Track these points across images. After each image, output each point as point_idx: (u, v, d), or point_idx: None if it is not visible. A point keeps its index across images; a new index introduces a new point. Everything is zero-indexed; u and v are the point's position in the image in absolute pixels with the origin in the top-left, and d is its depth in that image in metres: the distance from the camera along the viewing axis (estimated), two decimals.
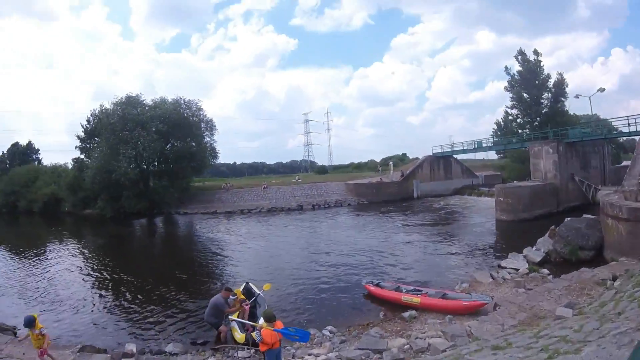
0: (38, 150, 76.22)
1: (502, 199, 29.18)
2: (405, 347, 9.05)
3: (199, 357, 9.93)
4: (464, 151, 47.21)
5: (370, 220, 32.45)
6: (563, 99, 44.94)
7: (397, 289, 13.45)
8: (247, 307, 11.45)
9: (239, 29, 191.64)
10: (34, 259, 23.62)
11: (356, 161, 79.79)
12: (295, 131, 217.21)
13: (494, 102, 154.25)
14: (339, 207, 42.27)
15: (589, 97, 41.39)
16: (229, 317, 11.21)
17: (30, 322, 7.78)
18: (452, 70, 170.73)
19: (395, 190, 46.05)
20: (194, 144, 47.66)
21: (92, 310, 14.54)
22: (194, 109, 48.98)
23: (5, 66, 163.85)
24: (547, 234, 18.64)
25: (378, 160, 71.59)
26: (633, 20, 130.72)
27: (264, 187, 49.43)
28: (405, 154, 64.40)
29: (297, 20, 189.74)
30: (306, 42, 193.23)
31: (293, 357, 9.08)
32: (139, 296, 15.78)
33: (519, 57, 45.40)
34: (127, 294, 16.23)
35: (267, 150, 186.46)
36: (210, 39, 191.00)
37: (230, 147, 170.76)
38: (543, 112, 44.34)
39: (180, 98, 48.63)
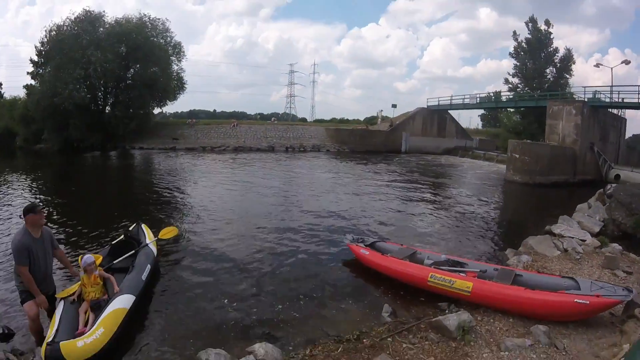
0: (0, 84, 66.68)
1: (517, 156, 23.42)
2: None
3: None
4: (464, 106, 40.44)
5: (354, 169, 25.70)
6: (567, 76, 39.55)
7: (413, 257, 7.09)
8: (97, 275, 5.37)
9: None
10: None
11: (339, 117, 72.86)
12: (280, 85, 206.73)
13: (484, 80, 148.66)
14: (316, 152, 35.91)
15: (611, 68, 35.10)
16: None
17: None
18: (447, 43, 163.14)
19: (382, 140, 39.82)
20: (156, 69, 39.18)
21: None
22: (160, 28, 40.38)
23: None
24: (593, 198, 13.38)
25: (362, 119, 64.89)
26: (636, 26, 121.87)
27: (233, 125, 42.32)
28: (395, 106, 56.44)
29: None
30: None
31: None
32: None
33: (529, 24, 39.43)
34: None
35: (249, 101, 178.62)
36: None
37: (213, 96, 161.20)
38: (546, 85, 38.48)
39: (145, 16, 40.00)
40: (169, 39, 41.26)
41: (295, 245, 9.00)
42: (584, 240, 9.78)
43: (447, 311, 5.65)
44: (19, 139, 43.71)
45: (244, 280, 6.96)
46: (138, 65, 39.11)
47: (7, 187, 17.85)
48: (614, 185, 13.75)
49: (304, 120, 72.03)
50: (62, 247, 8.31)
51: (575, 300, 5.15)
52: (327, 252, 8.62)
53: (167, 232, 7.70)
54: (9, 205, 13.42)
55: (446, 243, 9.83)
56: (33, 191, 16.89)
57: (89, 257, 5.36)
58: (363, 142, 39.14)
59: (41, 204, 13.39)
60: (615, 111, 29.71)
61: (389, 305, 5.74)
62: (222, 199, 14.65)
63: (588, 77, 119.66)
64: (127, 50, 37.72)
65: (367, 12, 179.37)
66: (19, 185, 18.36)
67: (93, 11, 38.51)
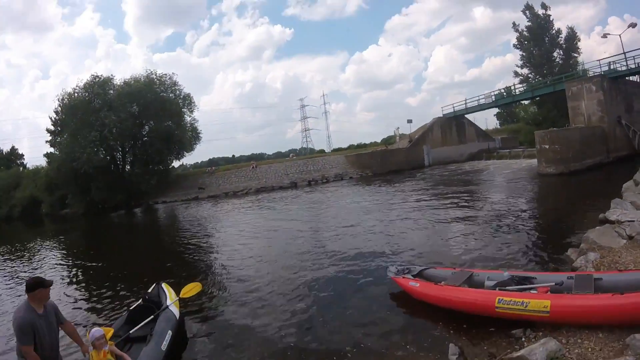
0: (22, 155, 67.85)
1: (547, 147, 22.24)
2: None
3: None
4: (480, 107, 39.26)
5: (380, 192, 24.28)
6: (576, 55, 38.89)
7: (471, 280, 6.15)
8: (107, 350, 4.60)
9: (234, 23, 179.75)
10: None
11: (356, 143, 71.80)
12: (293, 121, 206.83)
13: (492, 78, 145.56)
14: (339, 181, 34.62)
15: (619, 35, 33.27)
16: None
17: None
18: (449, 49, 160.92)
19: (404, 158, 38.51)
20: (170, 123, 39.48)
21: None
22: (168, 83, 40.63)
23: (3, 82, 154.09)
24: (639, 173, 13.13)
25: (379, 141, 64.06)
26: None
27: (253, 167, 41.76)
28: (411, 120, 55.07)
29: (291, 10, 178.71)
30: (301, 31, 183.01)
31: None
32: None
33: (527, 12, 39.15)
34: None
35: (266, 142, 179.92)
36: (205, 36, 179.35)
37: (231, 142, 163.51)
38: (556, 69, 37.47)
39: (152, 73, 40.42)
40: (178, 92, 41.46)
41: (334, 289, 7.84)
42: None
43: (523, 339, 4.70)
44: (44, 205, 44.54)
45: (281, 339, 5.94)
46: (152, 122, 39.56)
47: (27, 256, 17.74)
48: None
49: (322, 151, 71.42)
50: (78, 319, 7.73)
51: None
52: (370, 291, 7.49)
53: (190, 290, 6.91)
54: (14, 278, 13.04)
55: (497, 256, 8.69)
56: (52, 259, 16.20)
57: (97, 331, 4.61)
58: (385, 163, 38.03)
59: (55, 273, 12.87)
60: (634, 79, 28.67)
61: (455, 344, 4.72)
62: (248, 245, 13.37)
63: (594, 52, 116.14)
64: (139, 108, 38.19)
65: (365, 35, 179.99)
66: (37, 254, 18.26)
67: (101, 75, 39.22)
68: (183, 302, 7.00)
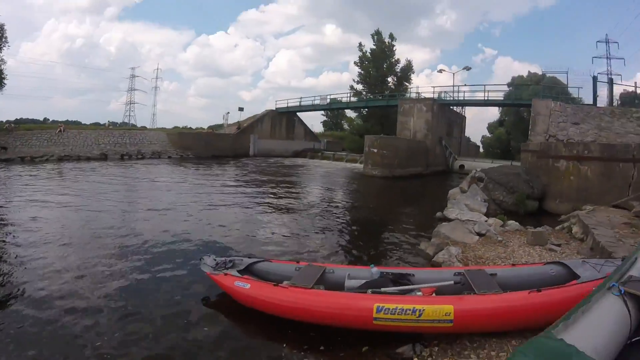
0: None
1: (375, 151, 22.64)
2: None
3: None
4: (314, 107, 40.09)
5: (199, 175, 21.12)
6: (407, 84, 42.66)
7: (326, 279, 4.33)
8: None
9: None
10: None
11: (182, 126, 66.72)
12: (120, 91, 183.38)
13: (326, 90, 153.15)
14: (156, 159, 30.96)
15: (453, 74, 37.35)
16: None
17: None
18: (293, 55, 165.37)
19: (229, 144, 36.83)
20: None
21: None
22: None
23: None
24: (466, 183, 13.15)
25: (206, 127, 60.77)
26: (464, 46, 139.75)
27: (59, 131, 34.47)
28: (242, 109, 52.44)
29: None
30: None
31: None
32: None
33: (375, 37, 41.99)
34: None
35: (86, 110, 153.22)
36: None
37: (45, 102, 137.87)
38: (387, 92, 40.20)
39: None
40: None
41: (134, 291, 5.11)
42: (486, 221, 8.88)
43: (414, 358, 3.14)
44: None
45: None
46: None
47: None
48: (478, 170, 13.81)
49: (144, 128, 64.88)
50: None
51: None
52: (177, 293, 5.02)
53: None
54: None
55: (339, 250, 7.21)
56: None
57: None
58: (209, 147, 35.72)
59: None
60: (457, 109, 32.78)
61: None
62: (32, 224, 9.10)
63: (420, 87, 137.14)
64: None
65: (216, 20, 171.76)
66: None
67: None
68: None
